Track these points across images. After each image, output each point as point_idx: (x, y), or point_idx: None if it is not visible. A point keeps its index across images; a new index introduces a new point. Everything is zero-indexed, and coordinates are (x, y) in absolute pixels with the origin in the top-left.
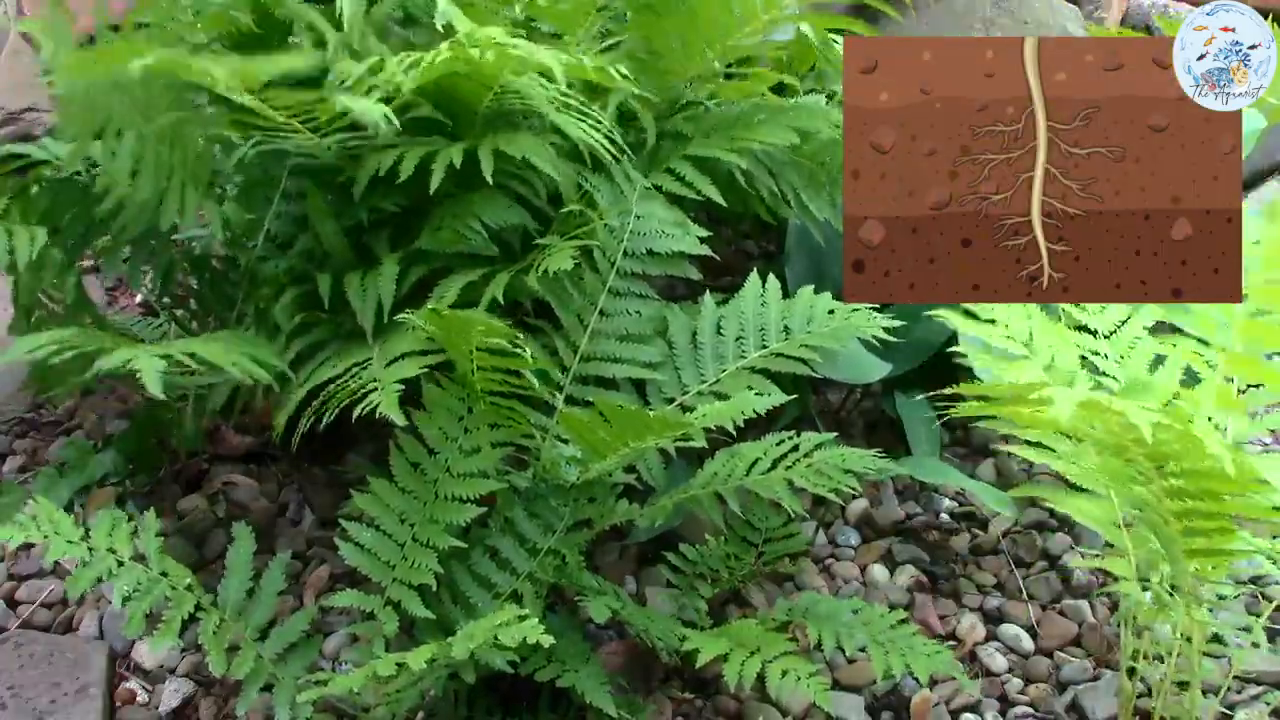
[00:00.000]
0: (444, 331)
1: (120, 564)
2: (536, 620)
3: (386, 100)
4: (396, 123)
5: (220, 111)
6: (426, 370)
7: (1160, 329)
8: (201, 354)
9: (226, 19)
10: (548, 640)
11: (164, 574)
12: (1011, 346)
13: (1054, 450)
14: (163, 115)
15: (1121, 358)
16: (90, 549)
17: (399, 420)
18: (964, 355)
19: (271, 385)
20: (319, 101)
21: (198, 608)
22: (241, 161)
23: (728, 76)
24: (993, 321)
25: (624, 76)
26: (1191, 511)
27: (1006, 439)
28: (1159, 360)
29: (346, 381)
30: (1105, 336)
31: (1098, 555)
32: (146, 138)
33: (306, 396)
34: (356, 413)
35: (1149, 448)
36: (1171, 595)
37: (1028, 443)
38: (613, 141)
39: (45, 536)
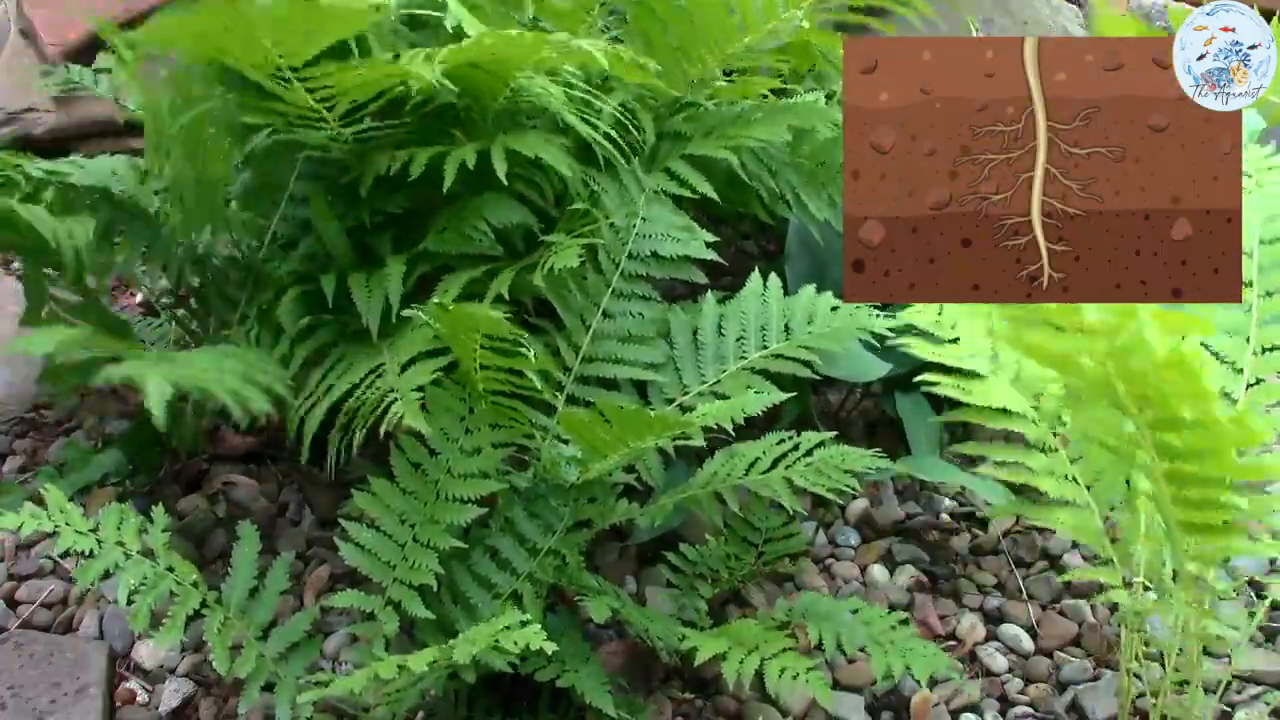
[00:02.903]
0: (449, 327)
1: (128, 557)
2: (538, 625)
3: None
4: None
5: (245, 98)
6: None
7: None
8: (198, 384)
9: None
10: (551, 647)
11: (170, 569)
12: (976, 365)
13: (1030, 468)
14: (183, 115)
15: None
16: (99, 541)
17: (425, 430)
18: (933, 384)
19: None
20: (389, 68)
21: (203, 604)
22: (252, 155)
23: (728, 80)
24: (955, 341)
25: (643, 68)
26: (1185, 476)
27: (977, 460)
28: None
29: (364, 393)
30: None
31: (1095, 558)
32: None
33: (328, 412)
34: (384, 427)
35: (1131, 385)
36: (1174, 579)
37: (1001, 462)
38: (622, 136)
39: (56, 526)
